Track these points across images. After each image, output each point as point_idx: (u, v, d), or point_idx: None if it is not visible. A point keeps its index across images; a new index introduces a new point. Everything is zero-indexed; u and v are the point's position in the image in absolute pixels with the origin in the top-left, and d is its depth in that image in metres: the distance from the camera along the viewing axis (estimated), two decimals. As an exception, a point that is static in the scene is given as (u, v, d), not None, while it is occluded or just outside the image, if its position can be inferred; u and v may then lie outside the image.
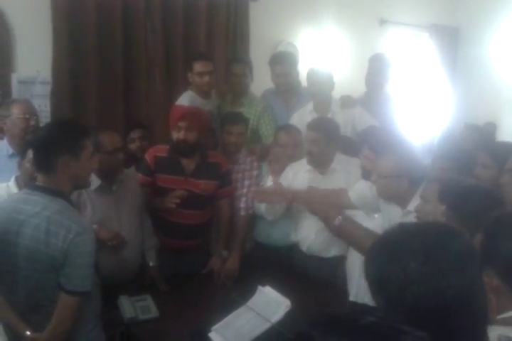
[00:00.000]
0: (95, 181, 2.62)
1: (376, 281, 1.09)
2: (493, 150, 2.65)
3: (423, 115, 6.38)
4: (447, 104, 6.51)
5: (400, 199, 2.41)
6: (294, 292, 2.76)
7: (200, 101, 3.51)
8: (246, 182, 3.24)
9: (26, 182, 2.40)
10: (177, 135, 2.91)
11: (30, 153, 2.30)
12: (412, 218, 2.26)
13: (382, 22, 5.79)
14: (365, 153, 2.72)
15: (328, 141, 2.97)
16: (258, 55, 4.57)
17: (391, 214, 2.52)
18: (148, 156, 3.05)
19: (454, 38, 6.50)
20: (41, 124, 3.09)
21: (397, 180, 2.35)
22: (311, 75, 3.56)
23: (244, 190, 3.22)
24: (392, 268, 1.04)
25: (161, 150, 3.05)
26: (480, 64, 6.35)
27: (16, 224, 1.90)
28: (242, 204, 3.20)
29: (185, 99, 3.47)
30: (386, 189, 2.42)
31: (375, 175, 2.44)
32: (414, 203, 2.30)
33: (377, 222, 2.69)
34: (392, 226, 1.16)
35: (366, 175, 2.70)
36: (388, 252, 1.09)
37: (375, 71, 3.81)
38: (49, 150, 1.95)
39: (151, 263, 2.89)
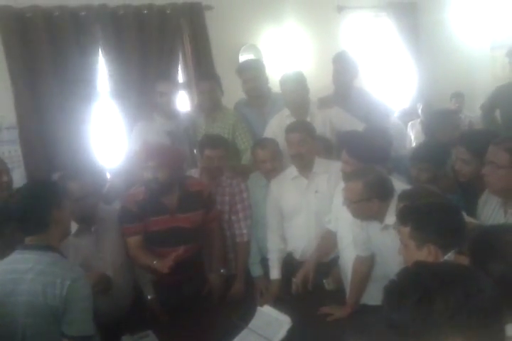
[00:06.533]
0: (73, 225, 2.58)
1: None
2: (469, 145, 2.65)
3: (391, 94, 6.40)
4: (414, 79, 6.53)
5: (376, 217, 2.45)
6: (293, 300, 2.84)
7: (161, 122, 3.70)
8: (239, 206, 3.20)
9: None
10: (146, 174, 2.80)
11: None
12: (391, 232, 2.29)
13: (340, 9, 5.76)
14: (344, 158, 2.73)
15: (312, 140, 3.01)
16: (222, 63, 4.53)
17: (370, 229, 2.54)
18: (128, 204, 2.87)
19: (412, 12, 6.47)
20: (13, 172, 3.07)
21: (367, 203, 2.37)
22: (283, 85, 3.47)
23: (240, 215, 3.19)
24: None
25: (138, 194, 2.89)
26: (442, 33, 6.37)
27: (10, 284, 1.96)
28: (245, 230, 3.18)
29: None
30: (359, 212, 2.45)
31: (345, 201, 2.46)
32: (390, 216, 2.34)
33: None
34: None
35: (346, 177, 2.73)
36: None
37: (340, 70, 3.79)
38: (38, 212, 2.05)
39: (149, 297, 2.88)
